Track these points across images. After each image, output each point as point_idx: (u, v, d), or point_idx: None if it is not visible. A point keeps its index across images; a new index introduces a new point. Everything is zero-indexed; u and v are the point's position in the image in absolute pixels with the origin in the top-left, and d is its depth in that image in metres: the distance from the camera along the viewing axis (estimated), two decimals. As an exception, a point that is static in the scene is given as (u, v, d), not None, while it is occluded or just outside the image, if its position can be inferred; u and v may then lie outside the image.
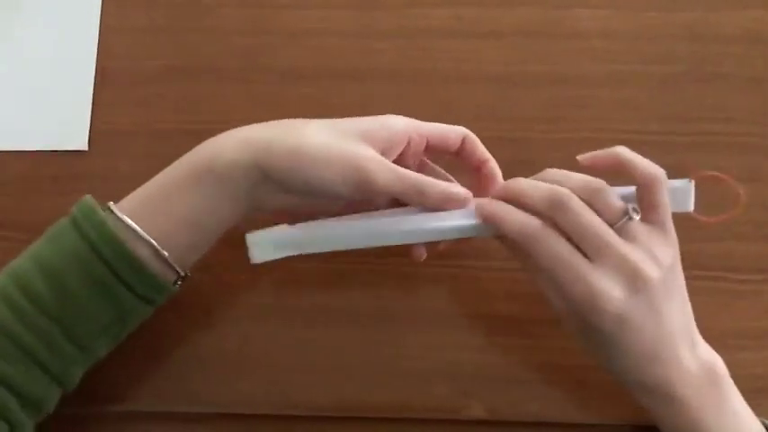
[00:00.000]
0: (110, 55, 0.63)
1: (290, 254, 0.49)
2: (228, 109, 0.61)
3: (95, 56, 0.62)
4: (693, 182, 0.48)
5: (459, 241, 0.51)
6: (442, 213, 0.48)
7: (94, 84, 0.62)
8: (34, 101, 0.62)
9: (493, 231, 0.48)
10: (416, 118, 0.59)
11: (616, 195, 0.45)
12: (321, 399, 0.55)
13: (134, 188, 0.59)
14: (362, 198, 0.48)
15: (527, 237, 0.45)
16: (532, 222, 0.45)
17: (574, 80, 0.60)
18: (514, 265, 0.56)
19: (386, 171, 0.46)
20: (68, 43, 0.63)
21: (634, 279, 0.43)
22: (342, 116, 0.59)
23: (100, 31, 0.63)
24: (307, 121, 0.48)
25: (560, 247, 0.44)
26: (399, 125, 0.49)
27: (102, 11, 0.63)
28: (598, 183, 0.45)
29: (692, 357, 0.45)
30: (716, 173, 0.48)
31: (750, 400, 0.47)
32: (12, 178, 0.61)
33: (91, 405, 0.55)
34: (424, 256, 0.51)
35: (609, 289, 0.43)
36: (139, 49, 0.63)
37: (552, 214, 0.45)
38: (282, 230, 0.48)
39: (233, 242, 0.56)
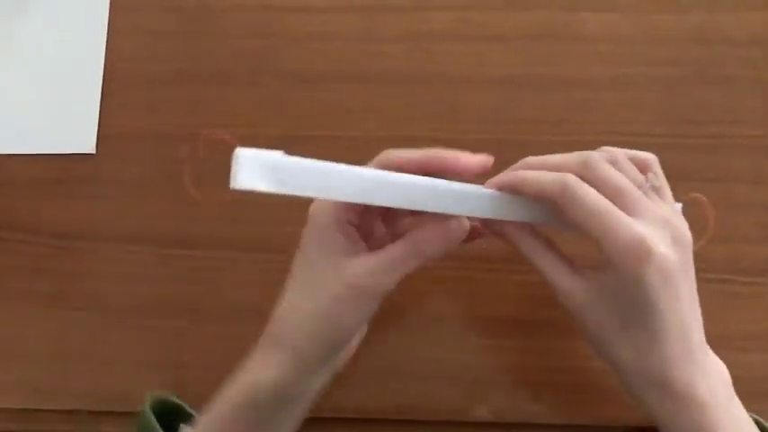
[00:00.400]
0: (117, 58, 0.63)
1: (278, 190, 0.40)
2: (235, 112, 0.61)
3: (103, 59, 0.63)
4: (681, 205, 0.48)
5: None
6: (458, 184, 0.43)
7: (102, 87, 0.62)
8: (42, 104, 0.63)
9: (509, 211, 0.44)
10: (422, 120, 0.60)
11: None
12: (325, 401, 0.55)
13: (142, 192, 0.60)
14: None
15: (565, 188, 0.42)
16: (568, 176, 0.42)
17: (579, 83, 0.60)
18: (520, 267, 0.56)
19: (353, 307, 0.43)
20: (76, 46, 0.64)
21: (675, 234, 0.42)
22: (348, 120, 0.60)
23: (108, 34, 0.63)
24: (297, 291, 0.46)
25: (600, 198, 0.42)
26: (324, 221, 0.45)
27: (109, 14, 0.64)
28: (619, 151, 0.44)
29: (708, 360, 0.44)
30: (698, 195, 0.48)
31: (757, 404, 0.47)
32: (21, 181, 0.61)
33: (107, 404, 0.57)
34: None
35: (655, 236, 0.41)
36: (147, 53, 0.63)
37: (584, 173, 0.43)
38: (277, 157, 0.41)
39: (238, 244, 0.56)
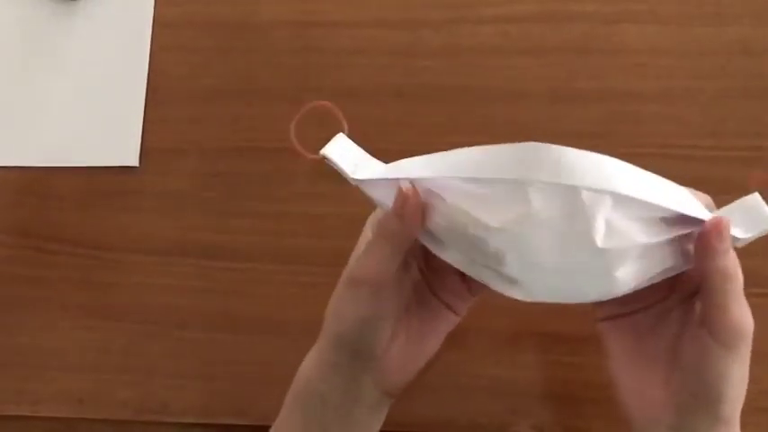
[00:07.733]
0: (161, 74, 0.64)
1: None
2: (279, 128, 0.61)
3: (146, 74, 0.64)
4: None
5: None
6: None
7: (145, 102, 0.63)
8: (86, 118, 0.64)
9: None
10: (461, 134, 0.60)
11: None
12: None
13: (183, 205, 0.61)
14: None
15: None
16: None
17: (621, 97, 0.60)
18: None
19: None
20: (120, 61, 0.65)
21: None
22: (387, 133, 0.60)
23: (151, 49, 0.64)
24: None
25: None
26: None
27: (152, 30, 0.65)
28: None
29: None
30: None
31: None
32: (64, 194, 0.62)
33: (148, 414, 0.58)
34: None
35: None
36: (190, 69, 0.64)
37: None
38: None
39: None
